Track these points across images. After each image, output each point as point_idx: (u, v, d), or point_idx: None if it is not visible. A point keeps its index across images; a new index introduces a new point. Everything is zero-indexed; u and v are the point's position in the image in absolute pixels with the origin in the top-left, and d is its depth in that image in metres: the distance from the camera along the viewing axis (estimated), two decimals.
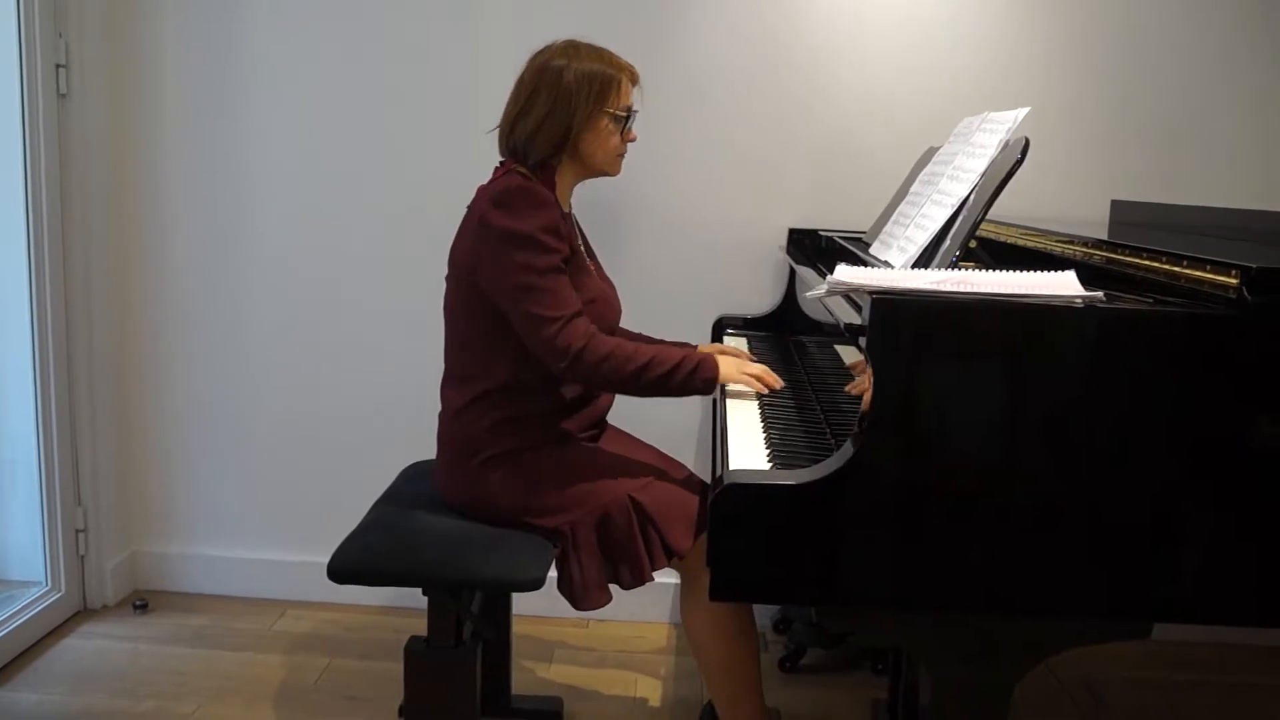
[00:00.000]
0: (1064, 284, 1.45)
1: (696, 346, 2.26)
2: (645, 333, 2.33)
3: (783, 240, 2.84)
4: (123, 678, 2.61)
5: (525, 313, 1.89)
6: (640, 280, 2.56)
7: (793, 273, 2.70)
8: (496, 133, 2.06)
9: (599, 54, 2.01)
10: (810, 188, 2.85)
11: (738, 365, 2.03)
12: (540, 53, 2.03)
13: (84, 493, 2.90)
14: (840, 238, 2.52)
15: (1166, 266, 1.54)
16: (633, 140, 2.09)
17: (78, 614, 2.93)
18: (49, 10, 2.64)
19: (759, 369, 2.04)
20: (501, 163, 2.07)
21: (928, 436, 1.40)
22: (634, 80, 2.06)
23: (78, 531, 2.90)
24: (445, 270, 2.06)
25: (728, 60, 2.80)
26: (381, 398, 2.97)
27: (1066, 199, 2.80)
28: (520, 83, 2.03)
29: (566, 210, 2.09)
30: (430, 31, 2.82)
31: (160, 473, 3.07)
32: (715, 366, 1.96)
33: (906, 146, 2.61)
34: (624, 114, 2.03)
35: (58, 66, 2.68)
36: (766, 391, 2.01)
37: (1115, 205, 2.73)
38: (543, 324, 1.88)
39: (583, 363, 1.88)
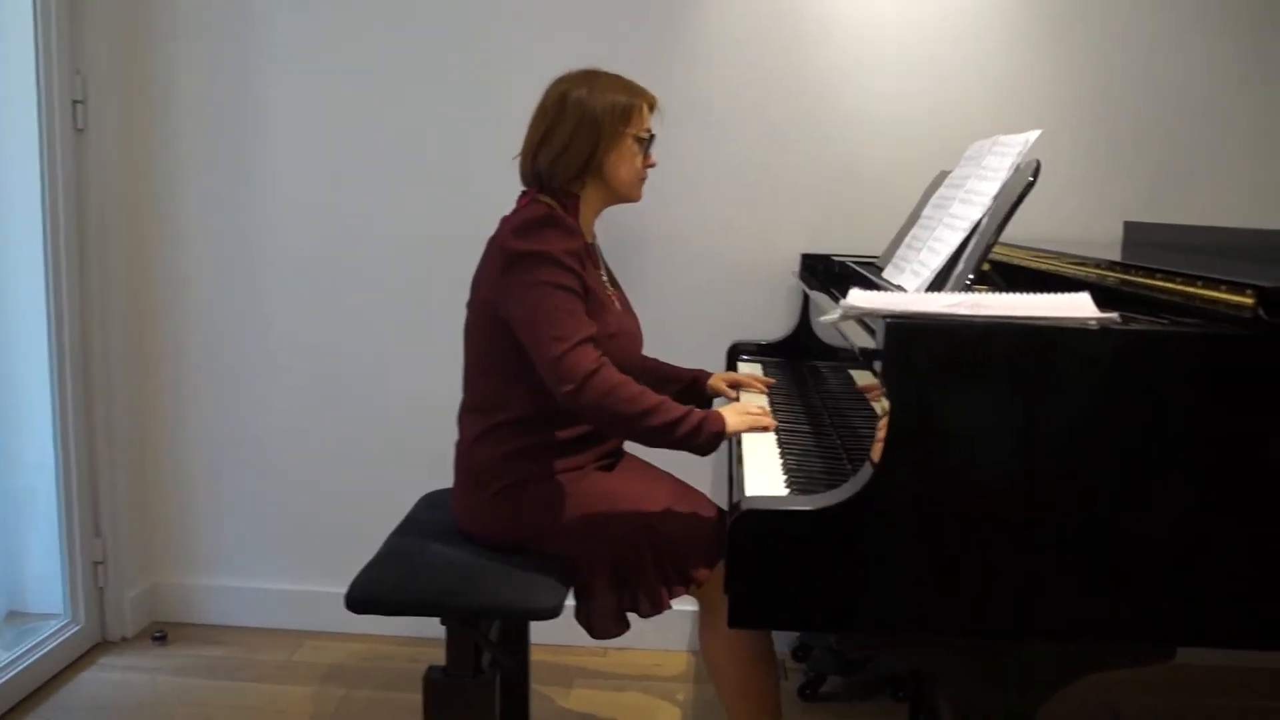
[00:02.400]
0: (1078, 305, 1.44)
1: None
2: (661, 359, 2.33)
3: (795, 265, 2.84)
4: (142, 710, 2.61)
5: (537, 331, 1.86)
6: (653, 308, 2.55)
7: (806, 298, 2.70)
8: (518, 161, 2.07)
9: (619, 80, 2.04)
10: (822, 212, 2.86)
11: (738, 411, 1.95)
12: (560, 80, 2.04)
13: (103, 524, 2.92)
14: (853, 262, 2.52)
15: (1181, 287, 1.53)
16: (652, 166, 2.10)
17: (97, 646, 2.94)
18: (66, 48, 2.68)
19: (757, 407, 2.00)
20: (524, 192, 2.08)
21: (944, 459, 1.39)
22: (652, 106, 2.08)
23: (96, 563, 2.92)
24: (465, 299, 2.07)
25: (737, 87, 2.81)
26: (399, 427, 2.98)
27: (1080, 221, 2.79)
28: (541, 110, 2.04)
29: (590, 241, 2.10)
30: (447, 63, 2.84)
31: (178, 504, 3.08)
32: (722, 420, 1.88)
33: (918, 170, 2.61)
34: (646, 136, 2.05)
35: (74, 103, 2.72)
36: (770, 428, 1.95)
37: (1129, 226, 2.72)
38: (552, 344, 1.84)
39: (588, 391, 1.81)
